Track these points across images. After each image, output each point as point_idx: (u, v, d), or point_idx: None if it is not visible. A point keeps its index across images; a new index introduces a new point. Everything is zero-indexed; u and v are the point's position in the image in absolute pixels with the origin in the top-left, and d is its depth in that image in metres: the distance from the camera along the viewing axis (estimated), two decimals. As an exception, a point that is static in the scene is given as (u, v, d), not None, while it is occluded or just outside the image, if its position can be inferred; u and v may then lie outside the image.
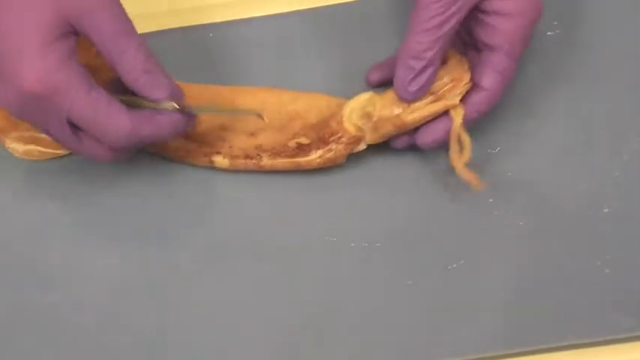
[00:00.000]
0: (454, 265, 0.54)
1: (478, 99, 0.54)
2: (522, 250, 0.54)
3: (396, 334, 0.53)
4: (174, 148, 0.57)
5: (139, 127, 0.51)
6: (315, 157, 0.56)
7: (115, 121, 0.50)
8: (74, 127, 0.51)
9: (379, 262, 0.55)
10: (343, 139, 0.55)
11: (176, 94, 0.52)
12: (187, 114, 0.52)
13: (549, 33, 0.60)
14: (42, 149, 0.58)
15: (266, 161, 0.56)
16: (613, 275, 0.54)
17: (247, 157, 0.57)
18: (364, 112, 0.55)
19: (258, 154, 0.56)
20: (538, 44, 0.60)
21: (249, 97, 0.58)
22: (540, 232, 0.55)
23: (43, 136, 0.57)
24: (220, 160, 0.57)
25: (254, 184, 0.58)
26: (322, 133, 0.56)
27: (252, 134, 0.57)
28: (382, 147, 0.57)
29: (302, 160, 0.56)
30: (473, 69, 0.55)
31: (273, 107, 0.58)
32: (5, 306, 0.55)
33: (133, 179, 0.58)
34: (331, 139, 0.56)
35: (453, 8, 0.52)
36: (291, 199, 0.57)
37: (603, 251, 0.54)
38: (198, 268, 0.55)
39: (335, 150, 0.56)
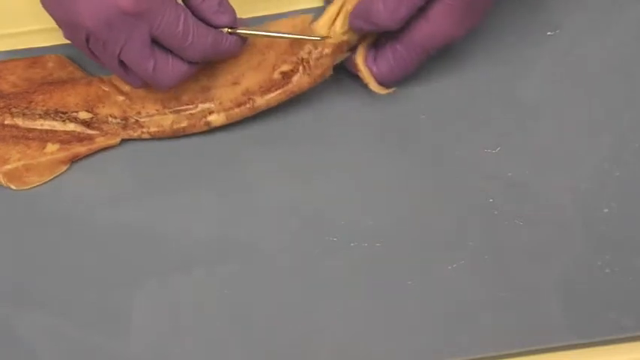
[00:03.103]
0: (454, 265, 0.54)
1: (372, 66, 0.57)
2: (522, 250, 0.54)
3: (396, 335, 0.53)
4: (171, 126, 0.58)
5: (220, 42, 0.55)
6: (303, 78, 0.57)
7: (202, 30, 0.54)
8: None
9: (379, 262, 0.55)
10: (326, 50, 0.56)
11: (236, 22, 0.56)
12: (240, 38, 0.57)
13: (549, 33, 0.60)
14: (39, 175, 0.59)
15: (259, 102, 0.57)
16: (613, 275, 0.53)
17: (240, 104, 0.57)
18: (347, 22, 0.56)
19: (249, 98, 0.57)
20: (538, 44, 0.60)
21: None
22: (540, 232, 0.55)
23: (36, 162, 0.58)
24: (216, 118, 0.58)
25: (251, 181, 0.58)
26: (300, 52, 0.57)
27: (235, 83, 0.58)
28: (383, 146, 0.57)
29: (292, 86, 0.57)
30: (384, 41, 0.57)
31: (242, 52, 0.58)
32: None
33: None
34: (314, 55, 0.56)
35: None
36: (290, 199, 0.57)
37: (603, 251, 0.54)
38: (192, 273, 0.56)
39: (321, 64, 0.57)
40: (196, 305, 0.54)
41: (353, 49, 0.57)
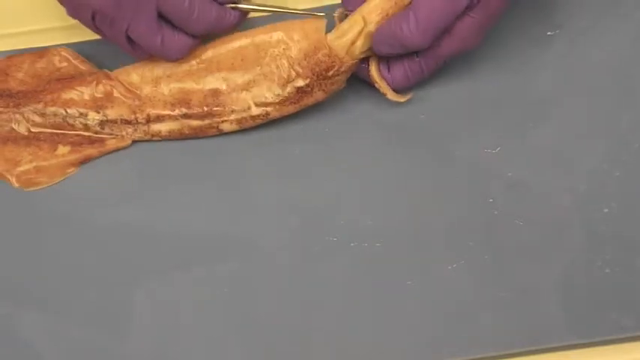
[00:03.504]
0: (454, 265, 0.54)
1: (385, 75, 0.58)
2: (522, 250, 0.54)
3: (396, 335, 0.53)
4: (181, 130, 0.58)
5: (224, 17, 0.57)
6: (318, 94, 0.57)
7: (206, 5, 0.56)
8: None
9: (379, 262, 0.55)
10: (342, 69, 0.56)
11: None
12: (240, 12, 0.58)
13: (549, 33, 0.60)
14: (49, 177, 0.59)
15: (274, 114, 0.57)
16: (613, 275, 0.53)
17: (254, 118, 0.58)
18: (369, 47, 0.56)
19: (265, 112, 0.57)
20: (538, 44, 0.60)
21: (223, 49, 0.58)
22: (540, 232, 0.55)
23: (47, 164, 0.58)
24: (228, 127, 0.58)
25: (250, 180, 0.58)
26: (316, 69, 0.56)
27: (245, 89, 0.58)
28: (383, 145, 0.57)
29: (307, 101, 0.57)
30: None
31: (251, 56, 0.58)
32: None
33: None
34: (330, 73, 0.56)
35: None
36: (290, 197, 0.57)
37: (603, 251, 0.54)
38: (197, 275, 0.56)
39: (337, 81, 0.57)
40: (196, 303, 0.54)
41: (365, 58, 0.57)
